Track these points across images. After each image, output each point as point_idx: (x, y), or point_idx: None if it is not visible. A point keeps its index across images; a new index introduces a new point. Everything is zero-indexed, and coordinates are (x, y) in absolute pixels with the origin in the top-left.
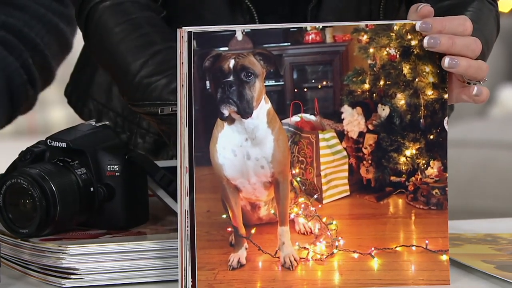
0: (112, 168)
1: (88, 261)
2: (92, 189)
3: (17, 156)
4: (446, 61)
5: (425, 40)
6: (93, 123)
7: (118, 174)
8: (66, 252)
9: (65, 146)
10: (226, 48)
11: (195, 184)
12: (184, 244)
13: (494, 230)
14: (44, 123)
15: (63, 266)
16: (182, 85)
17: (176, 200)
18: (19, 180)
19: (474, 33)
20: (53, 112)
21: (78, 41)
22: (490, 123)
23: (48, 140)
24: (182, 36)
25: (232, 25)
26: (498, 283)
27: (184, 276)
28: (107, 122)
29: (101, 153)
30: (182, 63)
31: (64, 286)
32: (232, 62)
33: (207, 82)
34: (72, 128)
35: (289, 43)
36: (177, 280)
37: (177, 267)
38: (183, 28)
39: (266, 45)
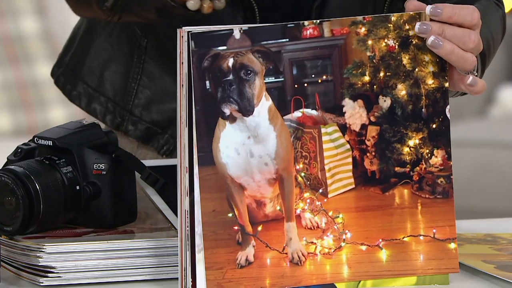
0: (99, 166)
1: (66, 259)
2: (78, 187)
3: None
4: (430, 39)
5: (417, 26)
6: (84, 121)
7: (105, 172)
8: (43, 250)
9: (51, 144)
10: (225, 47)
11: (200, 184)
12: (184, 243)
13: (494, 230)
14: (44, 122)
15: (40, 264)
16: (182, 85)
17: (163, 199)
18: (3, 178)
19: (483, 27)
20: (53, 111)
21: (69, 23)
22: (490, 123)
23: (35, 138)
24: (182, 36)
25: (229, 25)
26: (498, 283)
27: (184, 276)
28: (95, 121)
29: (88, 152)
30: (182, 63)
31: (42, 284)
32: (231, 61)
33: (207, 82)
34: (60, 126)
35: (287, 39)
36: (163, 279)
37: (164, 266)
38: (183, 28)
39: (264, 42)
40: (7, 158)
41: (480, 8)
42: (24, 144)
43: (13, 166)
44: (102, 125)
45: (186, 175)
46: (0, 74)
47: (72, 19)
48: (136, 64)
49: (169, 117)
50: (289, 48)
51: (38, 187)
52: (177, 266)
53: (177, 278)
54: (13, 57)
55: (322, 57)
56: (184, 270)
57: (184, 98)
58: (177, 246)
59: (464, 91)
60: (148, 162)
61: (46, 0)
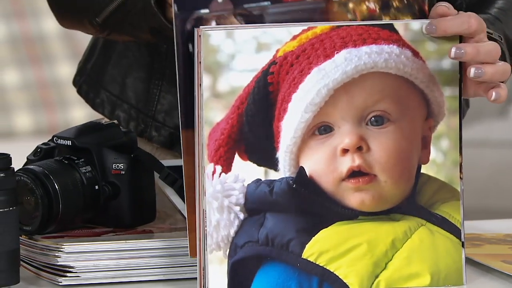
0: (118, 166)
1: (85, 259)
2: (96, 187)
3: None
4: (472, 71)
5: (452, 51)
6: (103, 121)
7: (124, 172)
8: (62, 250)
9: (70, 144)
10: (207, 11)
11: None
12: (202, 243)
13: None
14: (64, 122)
15: (58, 263)
16: (200, 84)
17: (182, 198)
18: (22, 178)
19: (498, 31)
20: (74, 111)
21: None
22: (511, 123)
23: (55, 138)
24: (200, 35)
25: None
26: None
27: (203, 276)
28: (115, 121)
29: (107, 152)
30: (200, 62)
31: (60, 283)
32: (213, 24)
33: (190, 45)
34: (79, 126)
35: (269, 2)
36: (180, 279)
37: (180, 266)
38: (201, 27)
39: (247, 5)
40: (27, 158)
41: (500, 11)
42: (43, 143)
43: (32, 166)
44: None
45: (204, 175)
46: (21, 74)
47: None
48: (157, 70)
49: None
50: (271, 11)
51: (57, 187)
52: (194, 266)
53: (193, 278)
54: (34, 57)
55: (304, 20)
56: (203, 270)
57: (201, 97)
58: None
59: (485, 96)
60: (166, 162)
61: None
